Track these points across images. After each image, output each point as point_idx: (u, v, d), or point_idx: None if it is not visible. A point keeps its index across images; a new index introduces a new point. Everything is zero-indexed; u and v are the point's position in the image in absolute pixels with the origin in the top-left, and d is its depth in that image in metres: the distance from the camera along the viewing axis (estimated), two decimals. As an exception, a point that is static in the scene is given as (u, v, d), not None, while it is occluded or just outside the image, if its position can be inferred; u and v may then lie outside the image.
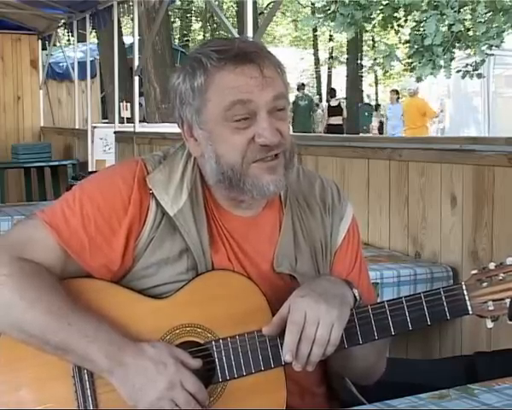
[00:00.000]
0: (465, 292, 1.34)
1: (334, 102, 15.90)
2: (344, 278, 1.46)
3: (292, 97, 15.72)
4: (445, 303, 1.34)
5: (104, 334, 1.29)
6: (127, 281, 1.39)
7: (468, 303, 1.34)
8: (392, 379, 2.01)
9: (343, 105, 16.39)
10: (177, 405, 1.26)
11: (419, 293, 1.36)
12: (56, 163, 8.56)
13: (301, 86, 16.82)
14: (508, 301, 1.32)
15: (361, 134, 15.89)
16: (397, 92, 15.68)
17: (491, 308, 1.34)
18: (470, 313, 1.35)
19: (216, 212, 1.44)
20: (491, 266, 1.35)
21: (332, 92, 16.85)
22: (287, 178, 1.40)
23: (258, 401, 1.35)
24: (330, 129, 15.01)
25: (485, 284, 1.34)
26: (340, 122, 15.49)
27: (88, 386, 1.30)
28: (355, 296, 1.38)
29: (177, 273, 1.38)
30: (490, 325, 1.35)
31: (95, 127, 8.10)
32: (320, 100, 22.09)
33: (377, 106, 21.70)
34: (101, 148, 7.83)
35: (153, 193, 1.39)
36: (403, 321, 1.35)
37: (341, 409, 1.50)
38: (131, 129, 6.61)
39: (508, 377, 1.47)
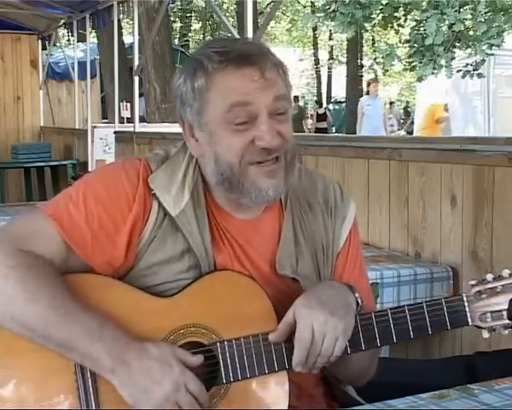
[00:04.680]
0: (466, 304, 1.37)
1: (321, 111, 19.11)
2: (345, 279, 1.47)
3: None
4: (446, 314, 1.37)
5: (108, 332, 1.27)
6: (129, 279, 1.39)
7: (469, 315, 1.37)
8: (392, 379, 2.02)
9: (328, 113, 19.09)
10: (179, 406, 1.26)
11: (421, 302, 1.38)
12: (56, 163, 8.56)
13: (295, 98, 20.10)
14: (505, 313, 1.36)
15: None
16: (376, 81, 13.41)
17: (488, 320, 1.37)
18: (470, 324, 1.38)
19: (217, 214, 1.43)
20: (489, 277, 1.38)
21: (319, 103, 20.90)
22: (287, 182, 1.39)
23: (262, 403, 1.35)
24: (318, 131, 17.40)
25: (484, 296, 1.37)
26: (325, 126, 18.21)
27: (90, 384, 1.29)
28: (357, 301, 1.38)
29: (178, 272, 1.38)
30: (486, 335, 1.38)
31: (95, 127, 8.09)
32: (320, 101, 22.63)
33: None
34: (101, 148, 7.82)
35: (155, 193, 1.39)
36: (405, 330, 1.37)
37: (341, 409, 1.50)
38: (131, 129, 6.61)
39: (508, 377, 1.47)
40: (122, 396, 1.27)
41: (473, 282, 1.38)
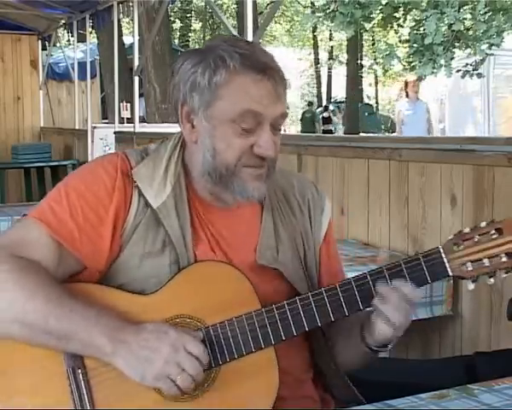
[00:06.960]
0: (443, 255, 1.36)
1: (326, 114, 20.87)
2: (332, 266, 1.59)
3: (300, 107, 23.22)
4: (424, 268, 1.36)
5: (105, 317, 1.31)
6: (113, 271, 1.42)
7: (447, 265, 1.36)
8: (392, 379, 2.02)
9: (332, 116, 21.02)
10: (183, 369, 1.27)
11: (398, 261, 1.38)
12: (56, 163, 8.55)
13: (309, 104, 23.73)
14: (486, 260, 1.34)
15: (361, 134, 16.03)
16: (416, 80, 9.43)
17: (470, 269, 1.35)
18: (450, 274, 1.37)
19: (199, 205, 1.47)
20: (466, 230, 1.38)
21: (325, 108, 22.28)
22: (267, 186, 1.46)
23: (252, 382, 1.36)
24: (324, 132, 19.05)
25: (461, 247, 1.36)
26: (331, 128, 20.06)
27: (83, 385, 1.31)
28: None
29: (160, 266, 1.40)
30: (471, 286, 1.37)
31: (95, 127, 8.09)
32: (326, 105, 23.10)
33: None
34: (102, 148, 7.81)
35: (137, 185, 1.42)
36: None
37: (341, 409, 1.50)
38: (131, 129, 6.62)
39: (508, 377, 1.48)
40: (116, 396, 1.29)
41: (450, 237, 1.38)
